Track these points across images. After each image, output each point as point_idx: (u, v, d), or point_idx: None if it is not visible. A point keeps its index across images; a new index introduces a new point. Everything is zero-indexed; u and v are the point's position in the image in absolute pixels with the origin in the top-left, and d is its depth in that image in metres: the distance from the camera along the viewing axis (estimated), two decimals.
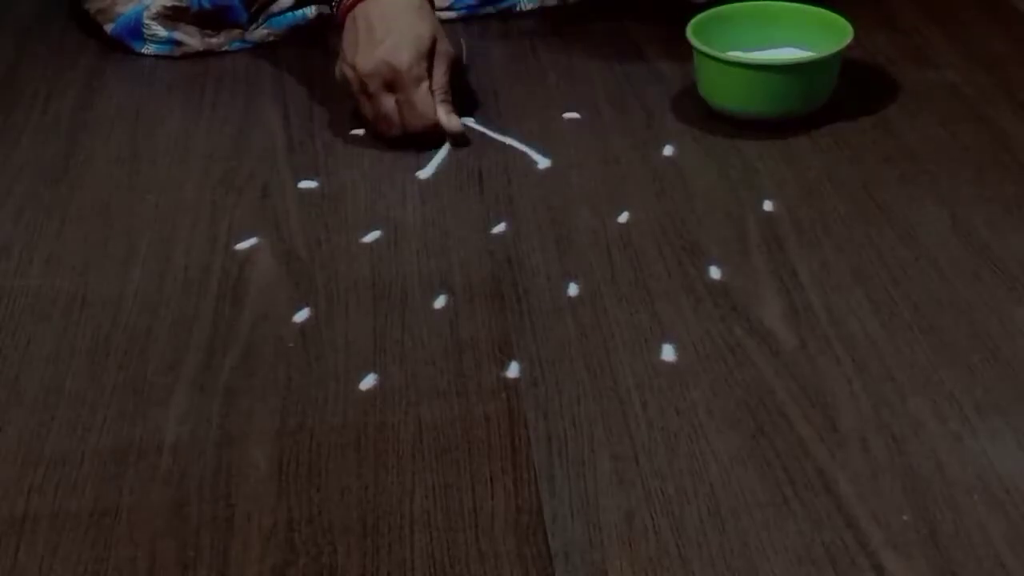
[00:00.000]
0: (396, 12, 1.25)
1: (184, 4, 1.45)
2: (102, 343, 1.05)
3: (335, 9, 1.29)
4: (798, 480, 0.89)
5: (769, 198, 1.18)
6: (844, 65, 1.29)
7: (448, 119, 1.26)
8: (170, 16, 1.46)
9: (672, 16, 1.38)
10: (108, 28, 1.48)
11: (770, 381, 0.98)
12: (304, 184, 1.23)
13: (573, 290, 1.08)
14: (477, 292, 1.09)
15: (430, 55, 1.25)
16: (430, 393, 0.99)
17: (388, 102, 1.25)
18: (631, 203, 1.18)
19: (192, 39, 1.46)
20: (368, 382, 1.00)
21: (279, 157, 1.28)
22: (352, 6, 1.27)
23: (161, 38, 1.46)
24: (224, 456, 0.94)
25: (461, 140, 1.27)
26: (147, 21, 1.46)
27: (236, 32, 1.47)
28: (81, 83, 1.44)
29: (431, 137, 1.26)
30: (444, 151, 1.27)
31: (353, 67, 1.25)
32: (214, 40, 1.47)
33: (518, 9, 1.51)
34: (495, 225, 1.17)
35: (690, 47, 1.28)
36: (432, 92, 1.25)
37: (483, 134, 1.30)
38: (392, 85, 1.24)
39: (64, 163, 1.29)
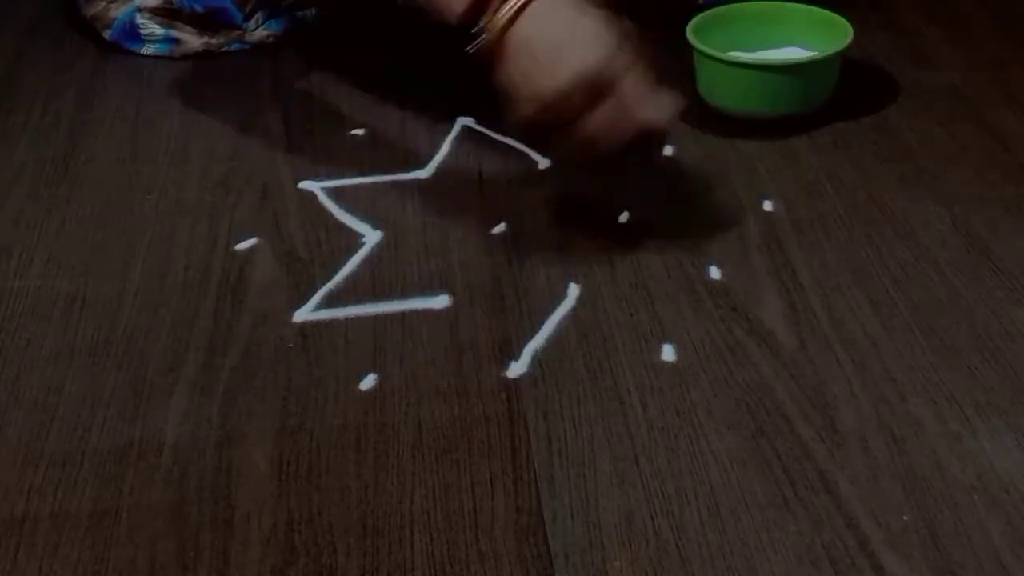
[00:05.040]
0: (558, 16, 1.04)
1: (175, 6, 1.45)
2: (102, 343, 1.05)
3: (479, 44, 1.06)
4: (798, 480, 0.89)
5: (769, 198, 1.18)
6: (844, 65, 1.29)
7: (663, 105, 1.06)
8: (163, 13, 1.46)
9: (672, 16, 1.38)
10: (106, 34, 1.48)
11: (770, 381, 0.98)
12: (304, 184, 1.23)
13: (573, 290, 1.08)
14: (477, 292, 1.09)
15: (615, 56, 1.04)
16: (430, 393, 0.99)
17: (600, 115, 1.03)
18: (631, 203, 1.18)
19: (190, 38, 1.46)
20: (368, 382, 1.00)
21: (279, 157, 1.28)
22: (504, 30, 1.04)
23: (159, 36, 1.46)
24: (224, 456, 0.94)
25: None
26: (141, 21, 1.46)
27: (236, 33, 1.47)
28: (81, 83, 1.44)
29: (644, 139, 1.06)
30: (444, 151, 1.27)
31: (540, 93, 1.03)
32: (213, 41, 1.47)
33: None
34: (495, 225, 1.17)
35: (690, 47, 1.28)
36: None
37: (483, 134, 1.30)
38: (598, 91, 1.02)
39: (64, 163, 1.29)
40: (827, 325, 1.03)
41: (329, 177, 1.24)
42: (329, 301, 1.08)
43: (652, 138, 1.07)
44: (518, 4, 1.04)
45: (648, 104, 1.05)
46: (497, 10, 1.04)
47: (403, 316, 1.06)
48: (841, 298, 1.06)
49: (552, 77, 1.02)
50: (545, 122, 1.05)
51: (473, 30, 1.06)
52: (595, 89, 1.02)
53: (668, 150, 1.26)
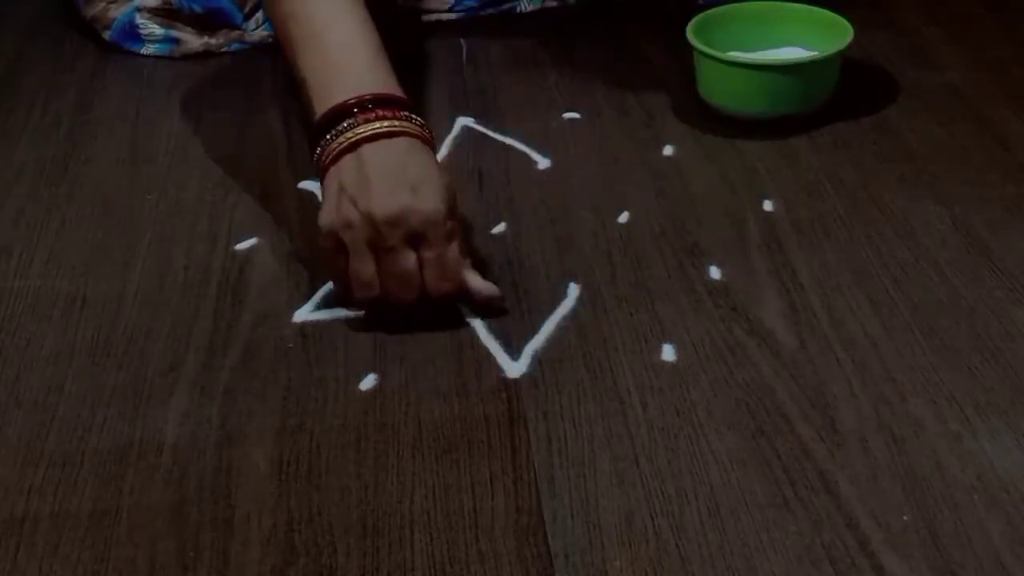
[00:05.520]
0: (421, 157, 1.04)
1: (175, 6, 1.45)
2: (102, 343, 1.05)
3: (322, 149, 1.05)
4: (798, 480, 0.89)
5: (769, 198, 1.18)
6: (844, 65, 1.29)
7: (483, 283, 1.05)
8: (163, 14, 1.46)
9: (672, 16, 1.38)
10: (106, 35, 1.48)
11: (770, 381, 0.98)
12: (304, 184, 1.23)
13: (573, 290, 1.08)
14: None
15: (453, 213, 1.04)
16: (430, 393, 0.99)
17: (409, 258, 1.02)
18: (631, 203, 1.18)
19: (190, 38, 1.46)
20: (368, 382, 1.00)
21: (279, 157, 1.28)
22: (356, 145, 1.03)
23: (158, 36, 1.46)
24: (224, 456, 0.94)
25: (497, 307, 1.06)
26: (141, 21, 1.46)
27: (235, 33, 1.47)
28: (81, 83, 1.44)
29: (441, 305, 1.05)
30: (444, 150, 1.27)
31: (367, 212, 1.00)
32: (213, 41, 1.47)
33: (519, 11, 1.51)
34: (495, 225, 1.17)
35: (690, 47, 1.28)
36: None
37: (483, 134, 1.30)
38: (417, 239, 1.01)
39: (64, 163, 1.29)
40: (827, 325, 1.03)
41: None
42: (329, 301, 1.08)
43: (442, 307, 1.05)
44: (384, 129, 1.03)
45: (452, 277, 1.03)
46: (365, 122, 1.03)
47: (403, 316, 1.06)
48: (841, 298, 1.06)
49: (385, 200, 1.00)
50: (347, 236, 1.02)
51: (329, 133, 1.04)
52: (412, 236, 1.01)
53: (668, 150, 1.26)
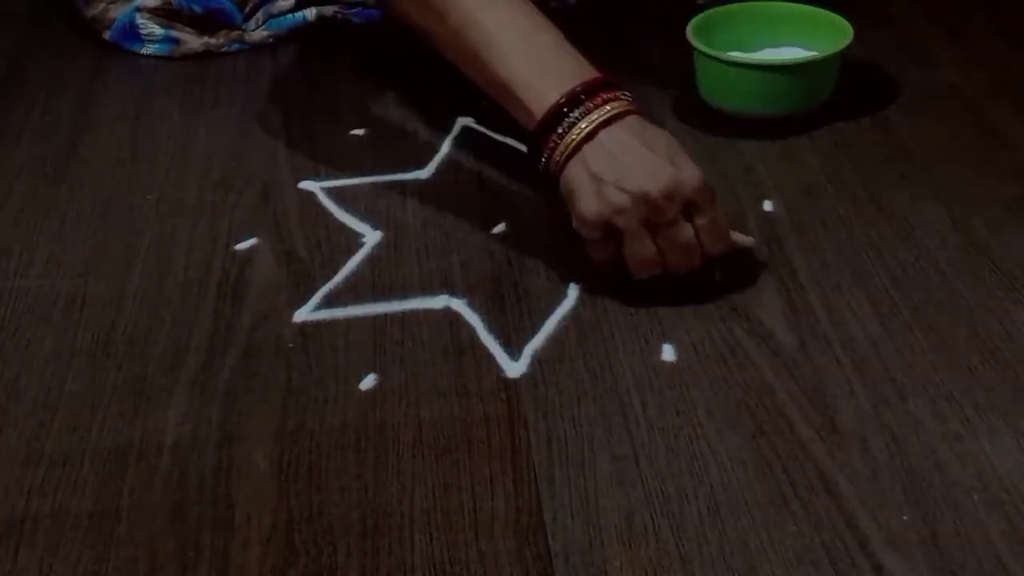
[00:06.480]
0: (655, 130, 1.05)
1: (175, 6, 1.45)
2: (102, 343, 1.05)
3: (555, 145, 1.04)
4: (798, 480, 0.89)
5: (769, 198, 1.18)
6: (844, 65, 1.29)
7: (742, 236, 1.09)
8: (163, 14, 1.46)
9: (672, 16, 1.38)
10: (106, 35, 1.48)
11: (770, 381, 0.98)
12: (304, 184, 1.23)
13: (573, 290, 1.08)
14: (477, 292, 1.09)
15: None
16: (430, 393, 0.99)
17: (688, 229, 1.03)
18: None
19: (190, 38, 1.46)
20: (368, 382, 1.00)
21: (279, 157, 1.28)
22: (593, 133, 1.03)
23: (158, 36, 1.46)
24: (224, 456, 0.94)
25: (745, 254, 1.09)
26: (141, 21, 1.46)
27: (235, 33, 1.47)
28: (81, 83, 1.44)
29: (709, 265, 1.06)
30: (444, 151, 1.27)
31: (640, 193, 1.01)
32: (213, 41, 1.47)
33: None
34: (495, 225, 1.17)
35: (690, 47, 1.28)
36: None
37: (483, 134, 1.30)
38: (690, 207, 1.03)
39: (64, 163, 1.29)
40: (827, 325, 1.03)
41: (329, 177, 1.24)
42: (329, 301, 1.08)
43: (712, 266, 1.07)
44: (615, 111, 1.04)
45: (727, 237, 1.06)
46: (595, 108, 1.03)
47: (403, 316, 1.06)
48: (841, 298, 1.06)
49: (655, 176, 1.01)
50: (621, 222, 1.02)
51: (559, 127, 1.04)
52: (687, 205, 1.02)
53: None
